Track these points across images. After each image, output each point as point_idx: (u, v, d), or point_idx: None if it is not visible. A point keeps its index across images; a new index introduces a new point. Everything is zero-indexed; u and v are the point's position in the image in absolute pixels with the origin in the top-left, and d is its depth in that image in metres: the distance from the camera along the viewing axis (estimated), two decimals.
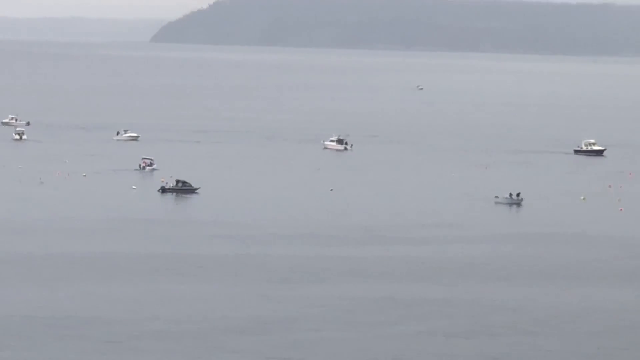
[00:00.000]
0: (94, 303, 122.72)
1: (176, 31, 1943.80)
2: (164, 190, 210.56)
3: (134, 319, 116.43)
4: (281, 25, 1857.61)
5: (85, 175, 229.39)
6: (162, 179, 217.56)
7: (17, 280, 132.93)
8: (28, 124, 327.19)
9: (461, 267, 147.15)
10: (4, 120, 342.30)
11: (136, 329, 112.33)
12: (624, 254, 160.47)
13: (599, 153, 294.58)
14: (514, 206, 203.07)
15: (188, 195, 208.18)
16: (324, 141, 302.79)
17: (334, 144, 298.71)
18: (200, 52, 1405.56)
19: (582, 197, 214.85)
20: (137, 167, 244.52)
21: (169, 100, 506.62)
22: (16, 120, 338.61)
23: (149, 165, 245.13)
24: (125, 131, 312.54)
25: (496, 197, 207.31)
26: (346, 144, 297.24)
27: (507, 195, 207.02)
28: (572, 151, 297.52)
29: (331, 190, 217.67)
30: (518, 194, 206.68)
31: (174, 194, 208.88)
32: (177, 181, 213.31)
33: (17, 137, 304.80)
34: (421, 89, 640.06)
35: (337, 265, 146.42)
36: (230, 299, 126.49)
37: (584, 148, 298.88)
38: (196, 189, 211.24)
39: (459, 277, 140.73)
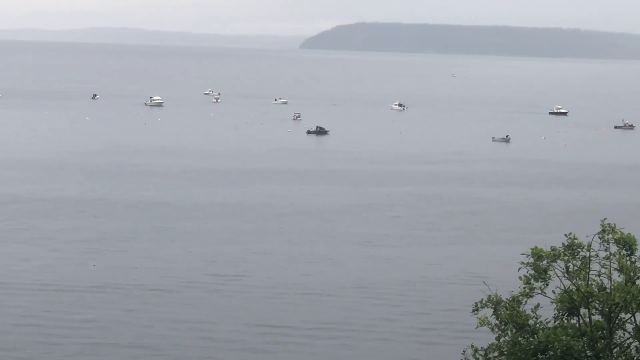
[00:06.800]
0: (267, 197, 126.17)
1: (313, 42, 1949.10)
2: (308, 132, 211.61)
3: (283, 205, 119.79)
4: (374, 39, 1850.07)
5: (262, 124, 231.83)
6: (305, 127, 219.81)
7: (222, 182, 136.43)
8: (219, 94, 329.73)
9: (468, 177, 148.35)
10: (205, 92, 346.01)
11: (278, 212, 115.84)
12: (564, 170, 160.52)
13: (564, 114, 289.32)
14: (504, 143, 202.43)
15: (323, 135, 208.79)
16: (390, 104, 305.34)
17: (397, 106, 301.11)
18: (328, 54, 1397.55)
19: (542, 137, 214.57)
20: (292, 118, 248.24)
21: (312, 81, 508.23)
22: (212, 92, 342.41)
23: (298, 117, 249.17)
24: (280, 98, 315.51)
25: (493, 137, 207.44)
26: (404, 106, 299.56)
27: (501, 136, 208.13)
28: (547, 113, 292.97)
29: (400, 133, 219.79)
30: (507, 136, 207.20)
31: (315, 134, 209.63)
32: (317, 127, 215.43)
33: (215, 100, 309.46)
34: (454, 76, 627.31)
35: (399, 175, 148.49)
36: (337, 193, 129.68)
37: (555, 111, 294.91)
38: (328, 131, 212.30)
39: (467, 183, 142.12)
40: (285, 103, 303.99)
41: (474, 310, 29.39)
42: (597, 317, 29.10)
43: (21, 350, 62.87)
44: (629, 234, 29.54)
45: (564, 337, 27.95)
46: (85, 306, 72.58)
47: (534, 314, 29.04)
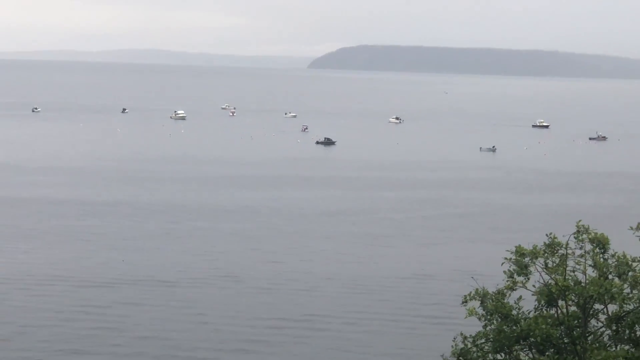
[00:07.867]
0: (279, 200, 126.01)
1: (320, 63, 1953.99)
2: (317, 142, 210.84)
3: (293, 208, 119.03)
4: (374, 59, 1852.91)
5: (274, 135, 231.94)
6: (313, 138, 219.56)
7: (238, 187, 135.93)
8: (234, 108, 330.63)
9: (458, 183, 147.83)
10: (222, 107, 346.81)
11: (289, 214, 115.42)
12: (544, 177, 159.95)
13: (546, 127, 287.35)
14: (491, 153, 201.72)
15: (331, 146, 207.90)
16: (388, 118, 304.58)
17: (394, 120, 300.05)
18: (334, 73, 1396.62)
19: (525, 148, 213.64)
20: (301, 130, 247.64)
21: (318, 97, 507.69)
22: (228, 106, 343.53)
23: (306, 129, 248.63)
24: (290, 112, 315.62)
25: (480, 147, 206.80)
26: (400, 120, 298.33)
27: (487, 147, 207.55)
28: (530, 126, 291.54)
29: (397, 144, 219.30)
30: (493, 146, 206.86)
31: (322, 145, 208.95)
32: (325, 138, 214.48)
33: (231, 114, 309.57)
34: (446, 93, 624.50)
35: (396, 181, 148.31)
36: (342, 197, 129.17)
37: (537, 124, 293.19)
38: (335, 141, 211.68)
39: (457, 188, 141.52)
40: (295, 117, 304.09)
41: (463, 302, 29.60)
42: (573, 308, 29.25)
43: (59, 342, 62.35)
44: (602, 234, 29.72)
45: (543, 326, 28.18)
46: (113, 300, 72.39)
47: (517, 305, 29.27)
